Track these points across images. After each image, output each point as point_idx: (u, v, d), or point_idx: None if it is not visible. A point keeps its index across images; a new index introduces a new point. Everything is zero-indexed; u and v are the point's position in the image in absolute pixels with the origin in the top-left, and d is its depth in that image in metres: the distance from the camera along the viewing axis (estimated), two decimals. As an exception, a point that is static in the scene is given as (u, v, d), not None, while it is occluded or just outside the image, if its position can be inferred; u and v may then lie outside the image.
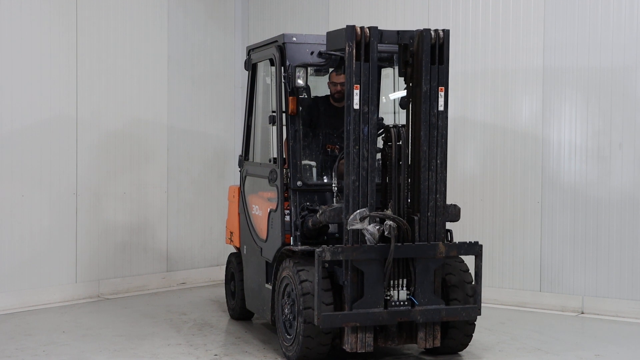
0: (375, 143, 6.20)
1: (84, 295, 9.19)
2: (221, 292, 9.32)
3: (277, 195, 6.79)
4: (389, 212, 6.17)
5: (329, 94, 7.23)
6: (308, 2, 10.36)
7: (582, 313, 8.42)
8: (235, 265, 8.09)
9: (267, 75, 7.68)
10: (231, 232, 8.25)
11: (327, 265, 6.19)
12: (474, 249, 6.40)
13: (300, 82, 6.66)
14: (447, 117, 6.35)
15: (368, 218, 6.02)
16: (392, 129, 6.30)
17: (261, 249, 7.22)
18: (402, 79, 6.47)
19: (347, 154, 6.12)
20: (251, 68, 7.71)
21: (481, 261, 6.41)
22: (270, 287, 6.90)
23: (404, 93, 6.53)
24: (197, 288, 10.05)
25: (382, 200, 6.34)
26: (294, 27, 10.18)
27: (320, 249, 5.96)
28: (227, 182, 10.57)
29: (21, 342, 7.19)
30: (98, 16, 9.31)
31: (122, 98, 9.56)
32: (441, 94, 6.33)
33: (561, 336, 7.47)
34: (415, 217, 6.24)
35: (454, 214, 6.47)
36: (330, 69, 7.15)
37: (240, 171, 7.99)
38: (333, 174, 6.54)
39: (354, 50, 6.11)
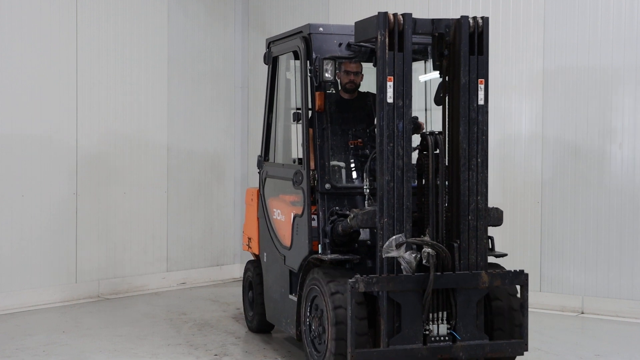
0: (411, 140, 5.67)
1: (84, 296, 9.22)
2: (221, 292, 9.66)
3: (303, 199, 6.27)
4: (426, 237, 5.64)
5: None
6: (308, 1, 10.29)
7: (582, 313, 8.33)
8: (253, 274, 7.57)
9: (287, 70, 7.17)
10: (249, 238, 7.73)
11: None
12: (520, 278, 5.79)
13: (328, 75, 6.14)
14: (487, 112, 5.82)
15: (404, 245, 5.49)
16: (428, 136, 5.75)
17: (284, 257, 6.70)
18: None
19: (379, 152, 5.59)
20: (271, 62, 7.19)
21: (527, 291, 5.82)
22: (295, 299, 6.38)
23: (435, 74, 5.99)
24: (197, 288, 10.08)
25: (418, 224, 5.78)
26: (295, 26, 9.83)
27: (353, 280, 5.41)
28: (227, 182, 10.76)
29: (21, 342, 7.20)
30: (98, 16, 9.35)
31: (123, 97, 9.59)
32: (481, 86, 5.80)
33: (561, 336, 7.43)
34: (455, 244, 5.70)
35: (497, 217, 5.94)
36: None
37: (259, 172, 7.47)
38: (364, 174, 5.99)
39: (387, 39, 5.59)
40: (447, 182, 5.80)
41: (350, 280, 5.43)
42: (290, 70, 7.20)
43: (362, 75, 6.61)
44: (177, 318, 8.24)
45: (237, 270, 10.76)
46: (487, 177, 5.82)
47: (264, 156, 7.37)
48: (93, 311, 8.58)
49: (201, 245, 10.48)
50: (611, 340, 7.33)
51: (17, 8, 8.59)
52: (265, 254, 7.28)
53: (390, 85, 5.60)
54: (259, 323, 7.47)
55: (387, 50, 5.59)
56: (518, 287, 5.91)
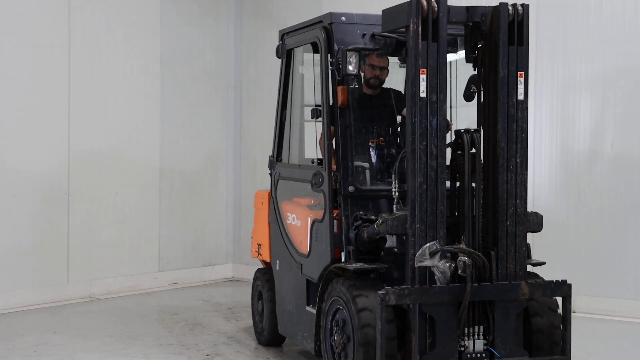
0: (445, 138, 5.18)
1: (76, 296, 9.15)
2: (213, 292, 9.70)
3: (325, 202, 5.77)
4: (462, 245, 5.14)
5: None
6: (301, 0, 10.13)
7: (574, 312, 8.13)
8: (264, 283, 7.06)
9: (300, 64, 6.68)
10: (259, 245, 7.23)
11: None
12: (562, 289, 5.30)
13: (351, 69, 5.63)
14: (527, 108, 5.34)
15: (439, 253, 5.00)
16: (464, 134, 5.25)
17: (301, 265, 6.19)
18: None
19: (411, 151, 5.10)
20: (285, 55, 6.68)
21: (570, 303, 5.33)
22: (314, 311, 5.87)
23: (462, 54, 5.50)
24: (189, 288, 10.03)
25: (452, 230, 5.27)
26: (290, 24, 9.79)
27: (383, 292, 4.89)
28: (220, 181, 10.68)
29: (13, 343, 7.16)
30: (91, 15, 9.26)
31: (115, 97, 9.51)
32: (521, 80, 5.32)
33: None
34: (492, 252, 5.21)
35: (536, 222, 5.46)
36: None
37: (270, 174, 6.97)
38: (393, 176, 5.46)
39: (420, 28, 5.10)
40: (481, 185, 5.32)
41: (380, 292, 4.93)
42: (305, 64, 6.70)
43: (388, 70, 6.14)
44: (169, 318, 8.21)
45: (229, 271, 10.77)
46: (526, 178, 5.34)
47: (277, 156, 6.87)
48: (84, 311, 8.55)
49: (193, 245, 10.39)
50: (601, 339, 7.32)
51: (5, 6, 8.52)
52: (277, 261, 6.77)
53: (423, 78, 5.11)
54: (270, 335, 6.96)
55: (420, 40, 5.11)
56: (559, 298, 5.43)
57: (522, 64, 5.31)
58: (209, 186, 10.55)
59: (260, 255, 7.20)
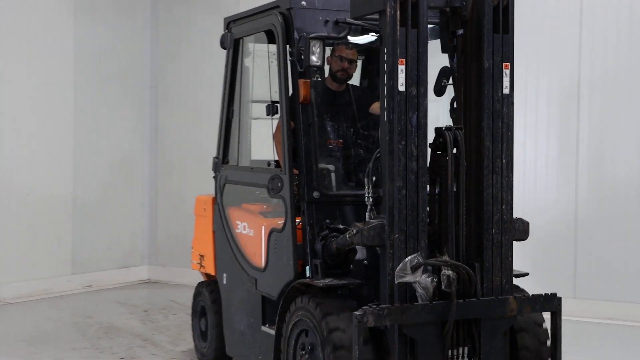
0: (426, 137, 4.61)
1: None
2: (128, 294, 9.50)
3: (285, 210, 5.11)
4: (445, 257, 4.57)
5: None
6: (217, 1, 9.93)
7: None
8: (208, 298, 6.36)
9: (247, 55, 6.02)
10: (201, 256, 6.53)
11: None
12: (552, 303, 4.78)
13: (315, 59, 5.00)
14: (512, 103, 4.81)
15: (422, 267, 4.42)
16: (446, 132, 4.67)
17: (256, 280, 5.52)
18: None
19: (389, 152, 4.50)
20: (232, 45, 6.00)
21: (560, 319, 4.81)
22: (272, 332, 5.22)
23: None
24: (104, 291, 9.84)
25: (431, 240, 4.68)
26: (206, 26, 9.97)
27: (360, 313, 4.27)
28: (135, 182, 10.48)
29: None
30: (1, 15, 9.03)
31: (27, 96, 9.23)
32: (506, 71, 4.79)
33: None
34: (477, 264, 4.67)
35: (522, 230, 4.92)
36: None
37: (215, 177, 6.28)
38: (366, 180, 4.83)
39: (398, 13, 4.52)
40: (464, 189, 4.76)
41: (356, 313, 4.32)
42: (251, 56, 6.04)
43: (357, 64, 5.56)
44: (83, 322, 8.05)
45: (145, 272, 10.60)
46: (512, 182, 4.81)
47: (223, 158, 6.18)
48: (-6, 316, 8.39)
49: (108, 247, 10.19)
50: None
51: None
52: (225, 275, 6.09)
53: (402, 69, 4.53)
54: (215, 356, 6.27)
55: (398, 27, 4.52)
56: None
57: (508, 54, 4.79)
58: (124, 187, 10.36)
59: (203, 267, 6.51)
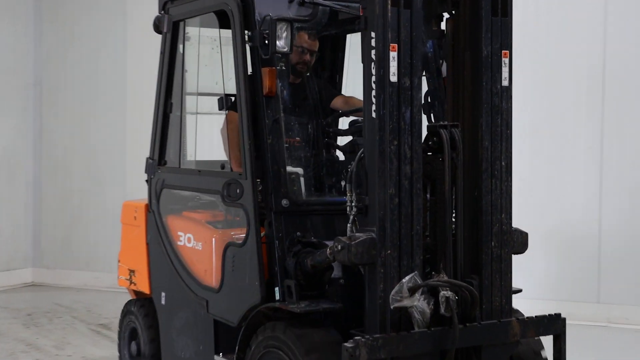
0: (421, 136, 3.95)
1: None
2: (10, 298, 9.19)
3: (248, 221, 4.35)
4: (443, 276, 3.94)
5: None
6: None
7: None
8: (141, 320, 5.54)
9: (187, 40, 5.22)
10: (131, 271, 5.69)
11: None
12: (556, 325, 4.22)
13: (281, 45, 4.26)
14: (511, 97, 4.21)
15: (420, 290, 3.77)
16: (441, 130, 4.02)
17: (207, 302, 4.73)
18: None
19: (379, 153, 3.83)
20: (170, 29, 5.17)
21: (565, 343, 4.26)
22: (231, 363, 4.47)
23: None
24: None
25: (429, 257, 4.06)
26: (91, 24, 9.87)
27: (351, 344, 3.59)
28: (18, 182, 10.07)
29: None
30: None
31: None
32: (505, 61, 4.18)
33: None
34: (475, 282, 4.06)
35: (520, 242, 4.33)
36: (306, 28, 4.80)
37: (148, 181, 5.44)
38: (348, 185, 4.10)
39: (389, -9, 3.84)
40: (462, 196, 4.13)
41: (347, 345, 3.63)
42: (190, 41, 5.25)
43: (317, 55, 4.87)
44: None
45: (29, 275, 10.22)
46: (511, 187, 4.21)
47: (159, 159, 5.35)
48: None
49: None
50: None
51: None
52: (163, 294, 5.28)
53: (394, 56, 3.85)
54: (151, 387, 5.47)
55: (389, 6, 3.84)
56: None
57: (506, 41, 4.18)
58: (6, 187, 9.97)
59: (134, 284, 5.67)
